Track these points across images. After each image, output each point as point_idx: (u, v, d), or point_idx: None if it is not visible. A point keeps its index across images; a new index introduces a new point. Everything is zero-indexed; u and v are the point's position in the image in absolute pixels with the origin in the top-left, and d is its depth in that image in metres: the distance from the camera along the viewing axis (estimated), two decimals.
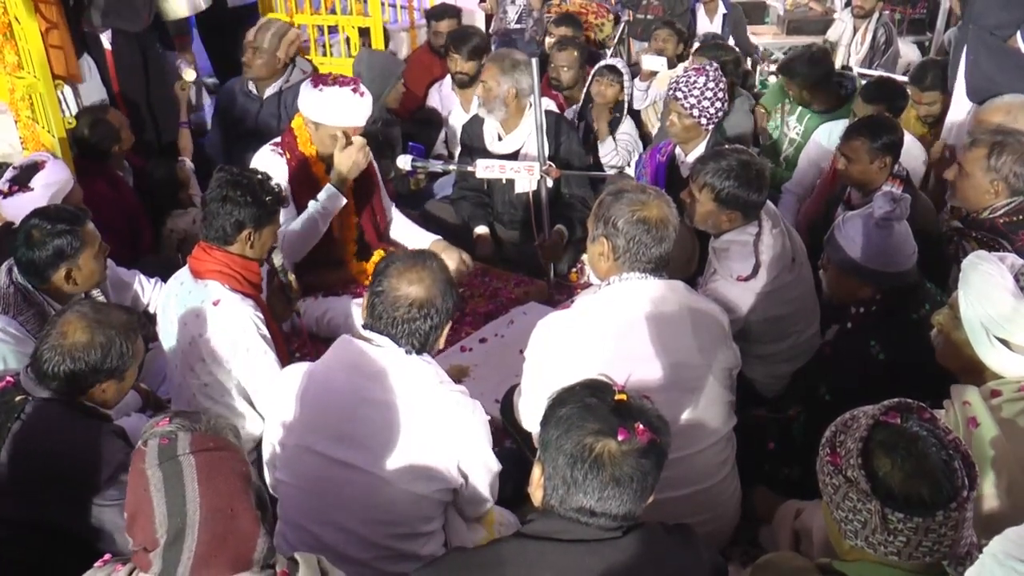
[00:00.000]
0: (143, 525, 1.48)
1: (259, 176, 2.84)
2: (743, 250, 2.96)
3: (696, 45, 5.76)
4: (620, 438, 1.62)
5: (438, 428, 2.11)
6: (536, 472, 1.74)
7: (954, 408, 2.10)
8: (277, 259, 3.05)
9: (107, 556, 1.63)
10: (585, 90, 4.99)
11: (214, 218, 2.75)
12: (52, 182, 3.27)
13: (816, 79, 4.75)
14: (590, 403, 1.69)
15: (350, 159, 3.48)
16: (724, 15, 7.57)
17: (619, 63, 4.95)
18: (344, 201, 3.52)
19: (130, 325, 2.35)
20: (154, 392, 3.16)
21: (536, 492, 1.74)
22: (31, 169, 3.29)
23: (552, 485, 1.67)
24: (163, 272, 3.32)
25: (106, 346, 2.26)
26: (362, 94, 3.53)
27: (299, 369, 2.26)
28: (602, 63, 4.95)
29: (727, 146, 3.09)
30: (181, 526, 1.46)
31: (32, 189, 3.22)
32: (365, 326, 2.20)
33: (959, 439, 1.65)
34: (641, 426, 1.65)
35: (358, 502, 2.14)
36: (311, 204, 3.48)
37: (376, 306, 2.16)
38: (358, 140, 3.55)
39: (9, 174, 3.31)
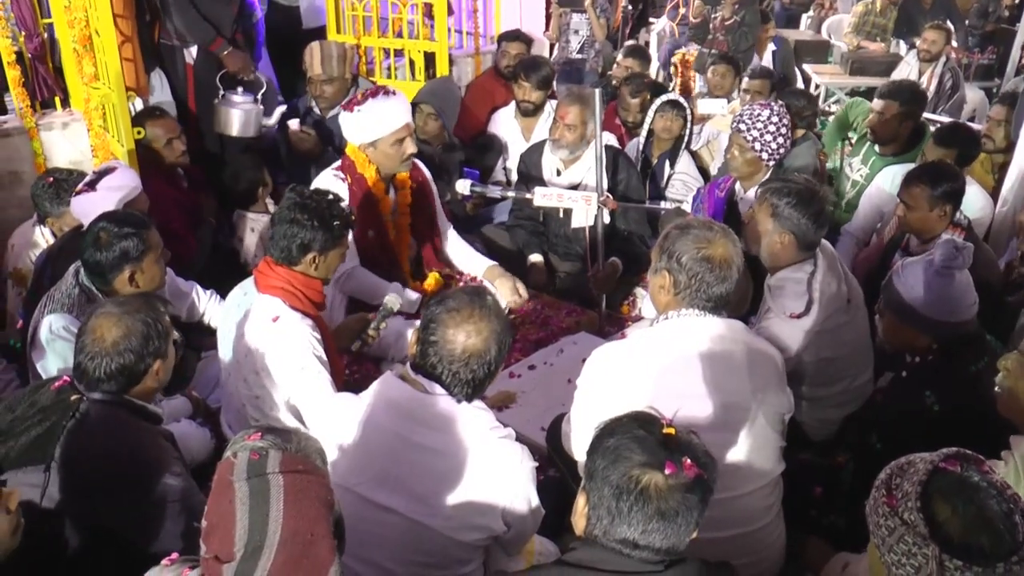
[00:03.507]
0: (222, 536, 1.47)
1: (329, 199, 2.84)
2: (797, 287, 2.93)
3: (746, 79, 5.78)
4: (667, 471, 1.61)
5: (486, 478, 2.07)
6: (580, 501, 1.73)
7: (1014, 458, 2.05)
8: (395, 304, 3.08)
9: (174, 555, 1.62)
10: (647, 126, 4.98)
11: (280, 238, 2.77)
12: (116, 186, 3.32)
13: (913, 110, 4.63)
14: (638, 435, 1.68)
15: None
16: (774, 52, 7.64)
17: (678, 96, 4.93)
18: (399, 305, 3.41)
19: (149, 303, 2.39)
20: (205, 400, 3.21)
21: (579, 521, 1.73)
22: (103, 173, 3.37)
23: (596, 515, 1.66)
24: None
25: (142, 329, 2.30)
26: (392, 93, 3.62)
27: (354, 407, 2.20)
28: (663, 99, 4.94)
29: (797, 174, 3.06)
30: (260, 544, 1.44)
31: (96, 190, 3.29)
32: (414, 367, 2.15)
33: (1018, 495, 1.61)
34: (689, 461, 1.63)
35: (396, 543, 2.10)
36: (388, 298, 3.27)
37: (429, 355, 2.09)
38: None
39: (88, 178, 3.39)
